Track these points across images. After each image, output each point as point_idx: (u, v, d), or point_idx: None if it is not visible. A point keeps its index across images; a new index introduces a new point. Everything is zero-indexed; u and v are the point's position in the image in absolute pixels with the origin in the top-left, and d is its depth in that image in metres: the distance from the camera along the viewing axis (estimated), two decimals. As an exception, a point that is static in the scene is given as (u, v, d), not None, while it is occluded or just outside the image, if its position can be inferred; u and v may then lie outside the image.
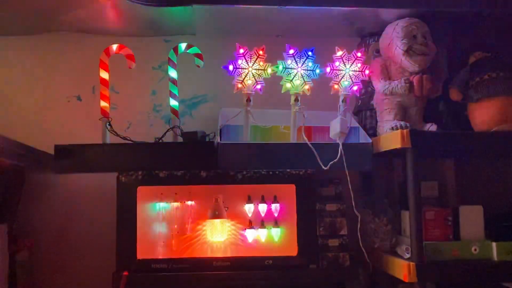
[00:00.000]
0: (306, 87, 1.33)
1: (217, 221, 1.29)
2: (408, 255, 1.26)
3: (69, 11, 1.44)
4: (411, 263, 1.20)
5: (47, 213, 1.53)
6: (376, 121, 1.47)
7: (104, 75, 1.36)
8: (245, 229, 1.31)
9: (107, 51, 1.36)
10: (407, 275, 1.20)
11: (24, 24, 1.54)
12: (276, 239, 1.31)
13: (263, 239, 1.31)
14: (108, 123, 1.34)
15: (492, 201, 1.38)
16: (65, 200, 1.55)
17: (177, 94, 1.38)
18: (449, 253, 1.26)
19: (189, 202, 1.31)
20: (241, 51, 1.30)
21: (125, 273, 1.24)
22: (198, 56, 1.39)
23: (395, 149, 1.26)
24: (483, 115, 1.34)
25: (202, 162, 1.29)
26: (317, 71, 1.33)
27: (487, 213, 1.31)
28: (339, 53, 1.35)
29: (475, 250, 1.27)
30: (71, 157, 1.27)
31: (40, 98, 1.60)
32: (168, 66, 1.38)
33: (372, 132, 1.48)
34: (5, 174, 1.34)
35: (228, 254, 1.30)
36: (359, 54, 1.35)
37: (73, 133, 1.56)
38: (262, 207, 1.32)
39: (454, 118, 1.46)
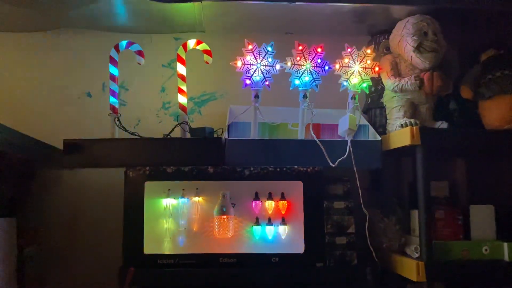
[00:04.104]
0: (315, 84, 1.33)
1: (224, 217, 1.29)
2: (417, 255, 1.24)
3: (79, 8, 1.45)
4: (420, 262, 1.19)
5: (56, 207, 1.54)
6: (386, 119, 1.45)
7: (114, 71, 1.37)
8: (252, 226, 1.30)
9: (116, 47, 1.37)
10: (416, 274, 1.19)
11: (34, 21, 1.56)
12: (283, 236, 1.30)
13: (270, 236, 1.30)
14: (117, 119, 1.35)
15: (504, 200, 1.36)
16: (74, 194, 1.55)
17: (185, 91, 1.39)
18: (459, 253, 1.24)
19: (196, 198, 1.31)
20: (250, 47, 1.30)
21: (132, 268, 1.24)
22: (207, 52, 1.39)
23: (405, 147, 1.25)
24: (494, 112, 1.32)
25: (210, 158, 1.29)
26: (326, 68, 1.32)
27: (499, 213, 1.29)
28: (349, 50, 1.34)
29: (486, 250, 1.25)
30: (80, 152, 1.28)
31: (51, 94, 1.61)
32: (177, 63, 1.39)
33: (382, 130, 1.46)
34: (15, 168, 1.36)
35: (235, 251, 1.29)
36: (368, 51, 1.34)
37: (83, 129, 1.57)
38: (269, 204, 1.31)
39: (465, 116, 1.44)
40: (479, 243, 1.25)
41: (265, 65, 1.31)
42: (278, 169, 1.33)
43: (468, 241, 1.27)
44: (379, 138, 1.34)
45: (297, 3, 1.37)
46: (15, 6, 1.43)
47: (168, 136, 1.36)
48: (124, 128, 1.35)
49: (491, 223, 1.28)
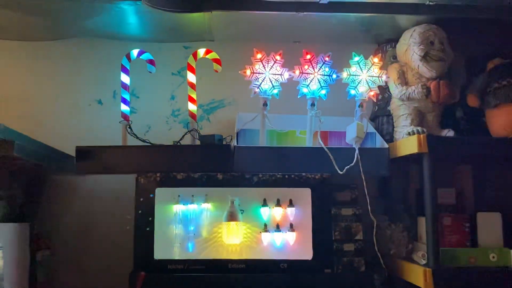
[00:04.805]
0: (323, 92, 1.35)
1: (232, 223, 1.31)
2: (424, 261, 1.25)
3: (90, 17, 1.48)
4: (428, 269, 1.19)
5: (68, 213, 1.57)
6: (393, 127, 1.47)
7: (125, 79, 1.40)
8: (261, 232, 1.31)
9: (128, 56, 1.40)
10: (423, 281, 1.19)
11: (48, 30, 1.59)
12: (291, 243, 1.31)
13: (278, 242, 1.31)
14: (128, 126, 1.37)
15: (510, 208, 1.36)
16: (85, 200, 1.58)
17: (195, 99, 1.41)
18: (466, 260, 1.25)
19: (206, 204, 1.33)
20: (259, 56, 1.32)
21: (142, 273, 1.25)
22: (217, 61, 1.42)
23: (412, 155, 1.26)
24: (501, 121, 1.33)
25: (219, 165, 1.31)
26: (334, 76, 1.34)
27: (506, 220, 1.30)
28: (356, 58, 1.35)
29: (493, 257, 1.25)
30: (92, 158, 1.30)
31: (63, 102, 1.64)
32: (187, 71, 1.41)
33: (389, 138, 1.48)
34: (28, 174, 1.38)
35: (244, 257, 1.31)
36: (376, 60, 1.36)
37: (93, 135, 1.60)
38: (278, 211, 1.32)
39: (472, 124, 1.45)
40: (486, 250, 1.26)
41: (274, 74, 1.33)
42: (287, 176, 1.35)
43: (475, 248, 1.28)
44: (386, 145, 1.36)
45: (304, 13, 1.39)
46: (28, 15, 1.46)
47: (178, 143, 1.39)
48: (135, 135, 1.37)
49: (498, 231, 1.29)
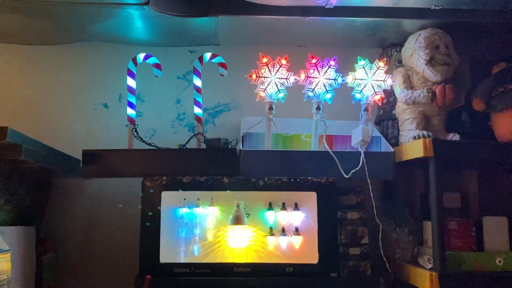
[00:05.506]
0: (328, 96, 1.35)
1: (238, 227, 1.31)
2: (430, 265, 1.25)
3: (97, 22, 1.49)
4: (434, 273, 1.19)
5: (73, 216, 1.57)
6: (398, 131, 1.47)
7: (131, 83, 1.41)
8: (266, 235, 1.32)
9: (134, 60, 1.41)
10: (429, 285, 1.19)
11: (55, 34, 1.60)
12: (297, 246, 1.31)
13: (284, 246, 1.31)
14: (134, 130, 1.38)
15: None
16: (91, 203, 1.59)
17: (201, 102, 1.42)
18: (473, 264, 1.25)
19: (211, 208, 1.33)
20: (264, 60, 1.33)
21: (148, 276, 1.26)
22: (222, 65, 1.43)
23: (418, 159, 1.26)
24: (506, 125, 1.33)
25: (225, 168, 1.31)
26: (339, 80, 1.35)
27: (512, 224, 1.30)
28: (361, 62, 1.36)
29: (500, 261, 1.25)
30: (98, 162, 1.31)
31: (69, 105, 1.65)
32: (193, 75, 1.42)
33: (394, 141, 1.48)
34: (34, 177, 1.39)
35: (249, 260, 1.31)
36: (381, 64, 1.36)
37: (99, 138, 1.60)
38: (283, 214, 1.32)
39: (477, 128, 1.45)
40: (493, 255, 1.26)
41: (279, 78, 1.33)
42: (292, 180, 1.35)
43: (481, 253, 1.27)
44: (392, 149, 1.36)
45: (310, 17, 1.40)
46: (36, 20, 1.47)
47: (184, 147, 1.39)
48: (141, 139, 1.38)
49: (505, 235, 1.29)
